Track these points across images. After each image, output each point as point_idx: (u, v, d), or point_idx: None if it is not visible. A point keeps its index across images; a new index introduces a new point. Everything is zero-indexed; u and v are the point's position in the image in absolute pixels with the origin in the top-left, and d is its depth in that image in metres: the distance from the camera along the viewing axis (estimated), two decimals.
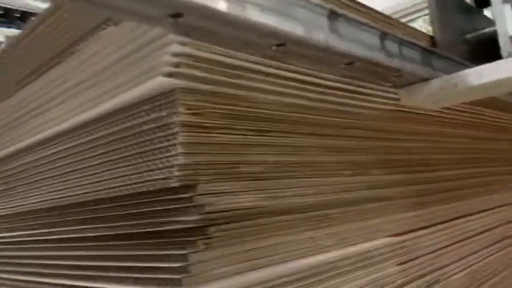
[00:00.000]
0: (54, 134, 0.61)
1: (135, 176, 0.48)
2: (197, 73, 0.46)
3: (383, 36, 0.51)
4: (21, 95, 0.67)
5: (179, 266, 0.44)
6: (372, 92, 0.71)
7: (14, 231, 0.76)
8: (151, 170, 0.46)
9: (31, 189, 0.69)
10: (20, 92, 0.67)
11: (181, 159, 0.44)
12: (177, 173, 0.44)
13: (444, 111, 0.89)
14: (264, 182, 0.53)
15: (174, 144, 0.45)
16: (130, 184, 0.48)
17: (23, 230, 0.73)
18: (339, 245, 0.62)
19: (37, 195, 0.67)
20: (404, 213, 0.77)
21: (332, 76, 0.62)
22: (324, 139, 0.62)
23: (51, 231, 0.64)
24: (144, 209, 0.48)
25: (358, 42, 0.47)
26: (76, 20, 0.54)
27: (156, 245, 0.47)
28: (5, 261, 0.79)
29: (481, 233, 0.99)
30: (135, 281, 0.49)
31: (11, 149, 0.72)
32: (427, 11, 0.97)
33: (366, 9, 0.61)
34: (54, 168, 0.62)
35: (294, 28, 0.40)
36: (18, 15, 2.37)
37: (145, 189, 0.47)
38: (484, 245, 1.00)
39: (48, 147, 0.63)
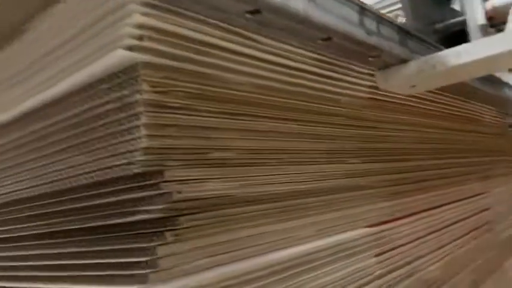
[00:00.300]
0: None
1: (94, 163, 0.43)
2: (162, 48, 0.42)
3: (361, 11, 0.48)
4: None
5: (145, 261, 0.39)
6: (348, 78, 0.69)
7: None
8: (112, 156, 0.42)
9: None
10: None
11: (145, 142, 0.40)
12: (140, 158, 0.40)
13: (419, 100, 0.88)
14: (236, 169, 0.49)
15: (137, 126, 0.40)
16: (88, 173, 0.44)
17: None
18: (316, 236, 0.59)
19: None
20: (380, 203, 0.75)
21: (307, 59, 0.59)
22: (300, 125, 0.59)
23: None
24: (104, 200, 0.43)
25: (336, 15, 0.43)
26: None
27: (119, 239, 0.42)
28: None
29: (456, 223, 0.99)
30: (95, 279, 0.44)
31: None
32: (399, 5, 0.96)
33: None
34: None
35: None
36: None
37: (105, 178, 0.42)
38: (459, 235, 0.99)
39: None
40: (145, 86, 0.40)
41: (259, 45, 0.52)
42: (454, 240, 0.96)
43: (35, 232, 0.53)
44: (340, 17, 0.44)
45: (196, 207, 0.43)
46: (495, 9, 0.97)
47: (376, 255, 0.70)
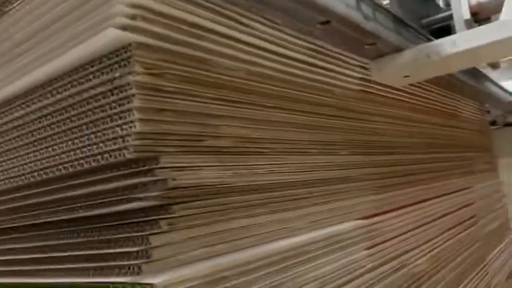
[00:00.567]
0: None
1: (84, 149, 0.41)
2: (156, 29, 0.40)
3: None
4: None
5: (138, 250, 0.38)
6: (340, 69, 0.68)
7: None
8: (103, 142, 0.40)
9: None
10: None
11: (138, 127, 0.38)
12: (134, 143, 0.38)
13: (406, 94, 0.88)
14: (231, 157, 0.47)
15: (130, 110, 0.38)
16: (78, 159, 0.41)
17: None
18: (309, 228, 0.58)
19: None
20: (371, 195, 0.74)
21: (300, 48, 0.58)
22: (294, 115, 0.58)
23: None
24: (97, 187, 0.41)
25: None
26: None
27: (112, 228, 0.40)
28: None
29: (442, 216, 0.99)
30: (85, 271, 0.41)
31: None
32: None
33: None
34: None
35: None
36: None
37: (96, 164, 0.40)
38: (445, 229, 1.00)
39: None
40: (138, 68, 0.38)
41: (254, 32, 0.51)
42: (441, 234, 0.96)
43: (18, 224, 0.50)
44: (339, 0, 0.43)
45: (192, 196, 0.41)
46: (480, 4, 0.98)
47: (367, 248, 0.69)
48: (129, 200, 0.39)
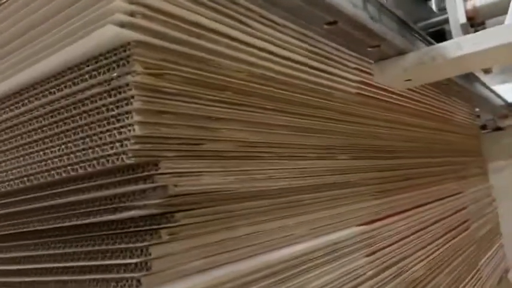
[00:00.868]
0: None
1: (79, 153, 0.38)
2: (156, 26, 0.38)
3: None
4: None
5: (138, 262, 0.35)
6: (341, 73, 0.66)
7: None
8: (99, 146, 0.37)
9: None
10: None
11: (137, 130, 0.35)
12: (133, 147, 0.35)
13: (402, 98, 0.87)
14: (232, 162, 0.45)
15: (129, 112, 0.36)
16: (72, 164, 0.39)
17: None
18: (311, 235, 0.56)
19: None
20: (370, 201, 0.73)
21: (301, 50, 0.57)
22: (294, 118, 0.56)
23: None
24: (92, 194, 0.39)
25: None
26: None
27: (109, 238, 0.38)
28: None
29: (437, 221, 0.98)
30: (82, 284, 0.39)
31: None
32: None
33: None
34: None
35: None
36: None
37: (92, 170, 0.37)
38: (440, 234, 0.99)
39: None
40: (138, 67, 0.36)
41: (256, 32, 0.49)
42: (437, 239, 0.95)
43: (6, 233, 0.47)
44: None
45: (193, 203, 0.39)
46: (475, 9, 0.97)
47: (367, 255, 0.68)
48: (126, 208, 0.37)
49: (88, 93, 0.38)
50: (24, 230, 0.44)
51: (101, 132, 0.37)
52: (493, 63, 0.78)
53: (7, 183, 0.45)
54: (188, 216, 0.38)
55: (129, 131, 0.36)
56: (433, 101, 1.07)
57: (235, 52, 0.46)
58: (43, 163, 0.41)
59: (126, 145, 0.35)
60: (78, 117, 0.39)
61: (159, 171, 0.36)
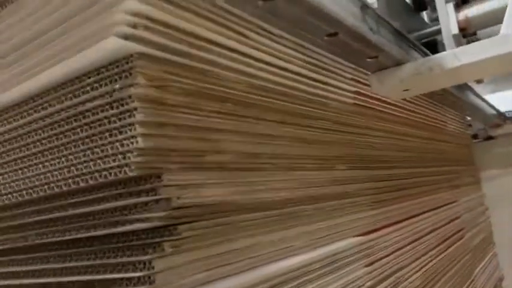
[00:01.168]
0: None
1: (80, 166, 0.38)
2: (158, 38, 0.38)
3: (364, 8, 0.46)
4: None
5: (141, 276, 0.35)
6: (339, 84, 0.67)
7: None
8: (101, 158, 0.37)
9: None
10: None
11: (141, 142, 0.35)
12: (136, 159, 0.35)
13: (397, 108, 0.88)
14: (233, 174, 0.45)
15: (131, 124, 0.36)
16: (73, 177, 0.38)
17: None
18: (310, 246, 0.56)
19: None
20: (367, 211, 0.73)
21: (301, 62, 0.57)
22: (293, 129, 0.56)
23: None
24: (94, 207, 0.38)
25: (343, 8, 0.41)
26: None
27: (111, 252, 0.37)
28: None
29: (433, 231, 0.98)
30: None
31: None
32: None
33: None
34: None
35: None
36: None
37: (94, 182, 0.37)
38: (435, 244, 0.99)
39: None
40: (140, 79, 0.36)
41: (255, 44, 0.49)
42: (432, 248, 0.95)
43: (5, 247, 0.46)
44: (346, 10, 0.42)
45: (195, 215, 0.39)
46: (468, 20, 0.99)
47: (367, 266, 0.68)
48: (129, 221, 0.36)
49: (89, 105, 0.38)
50: (23, 244, 0.44)
51: (103, 144, 0.37)
52: (490, 74, 0.79)
53: (5, 196, 0.45)
54: (190, 229, 0.38)
55: (132, 143, 0.35)
56: (426, 110, 1.08)
57: (235, 63, 0.46)
58: (42, 176, 0.40)
59: (129, 157, 0.35)
60: (79, 129, 0.39)
61: (162, 184, 0.36)
